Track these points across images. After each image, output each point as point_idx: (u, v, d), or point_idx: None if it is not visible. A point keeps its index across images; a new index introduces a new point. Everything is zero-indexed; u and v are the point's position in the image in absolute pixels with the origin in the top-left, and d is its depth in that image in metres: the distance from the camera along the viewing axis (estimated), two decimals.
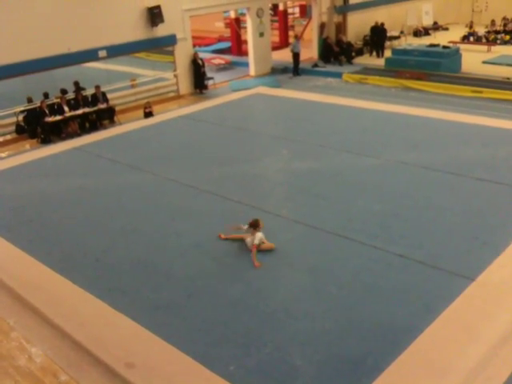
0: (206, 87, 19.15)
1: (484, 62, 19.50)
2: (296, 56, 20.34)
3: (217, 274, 7.83)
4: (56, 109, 15.05)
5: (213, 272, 7.88)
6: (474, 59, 19.58)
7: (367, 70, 19.75)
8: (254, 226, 8.17)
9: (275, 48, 23.23)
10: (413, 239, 8.35)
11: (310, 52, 22.45)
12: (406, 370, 5.79)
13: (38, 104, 14.96)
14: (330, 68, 20.75)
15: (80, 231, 9.40)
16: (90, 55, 15.78)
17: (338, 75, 19.71)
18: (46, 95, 15.42)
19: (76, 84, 16.19)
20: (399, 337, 6.26)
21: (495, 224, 8.68)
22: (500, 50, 21.13)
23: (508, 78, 17.01)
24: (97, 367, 6.24)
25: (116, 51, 16.35)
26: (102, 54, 15.99)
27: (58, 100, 15.24)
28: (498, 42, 22.48)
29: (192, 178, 11.26)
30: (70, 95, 15.82)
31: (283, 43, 25.01)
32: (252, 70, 21.04)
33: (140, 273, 7.99)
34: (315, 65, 21.15)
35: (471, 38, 23.11)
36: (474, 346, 6.04)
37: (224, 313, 6.93)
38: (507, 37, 22.96)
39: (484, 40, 22.68)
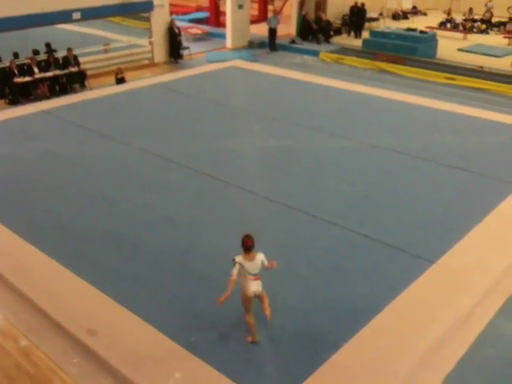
0: (181, 57, 18.85)
1: (459, 50, 19.68)
2: (272, 31, 20.15)
3: (186, 248, 7.83)
4: (26, 70, 14.64)
5: (182, 246, 7.87)
6: (449, 46, 19.75)
7: (344, 51, 19.73)
8: (249, 247, 5.64)
9: (254, 21, 22.93)
10: (380, 222, 8.50)
11: (288, 28, 22.26)
12: (365, 347, 5.95)
13: (7, 64, 14.51)
14: (307, 46, 20.64)
15: (47, 198, 9.25)
16: (64, 17, 15.35)
17: (315, 53, 19.65)
18: (15, 55, 14.96)
19: (48, 45, 15.77)
20: (360, 315, 6.40)
21: (462, 210, 8.88)
22: (476, 39, 21.35)
23: (481, 67, 17.23)
24: (58, 333, 6.24)
25: (91, 14, 15.93)
26: (76, 16, 15.56)
27: (28, 61, 14.82)
28: (475, 30, 22.70)
29: (165, 149, 11.13)
30: (41, 57, 15.40)
31: (262, 17, 24.68)
32: (229, 43, 20.78)
33: (108, 243, 7.94)
34: (293, 41, 21.02)
35: (448, 25, 23.25)
36: (432, 327, 6.23)
37: (191, 287, 6.96)
38: (483, 26, 23.19)
39: (461, 28, 22.86)
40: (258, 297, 5.79)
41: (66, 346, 6.06)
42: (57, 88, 15.20)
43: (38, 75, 14.65)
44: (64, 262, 7.35)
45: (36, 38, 15.73)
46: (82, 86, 15.72)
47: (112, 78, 15.99)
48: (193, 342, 5.98)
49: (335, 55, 19.25)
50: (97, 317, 6.35)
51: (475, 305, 6.67)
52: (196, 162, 10.56)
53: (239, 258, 5.64)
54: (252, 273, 5.65)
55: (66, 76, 15.24)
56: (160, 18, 18.00)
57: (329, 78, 16.40)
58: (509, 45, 20.53)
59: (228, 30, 20.76)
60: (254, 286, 5.69)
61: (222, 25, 22.15)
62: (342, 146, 11.41)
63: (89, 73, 16.03)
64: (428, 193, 9.45)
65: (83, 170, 10.32)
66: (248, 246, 5.58)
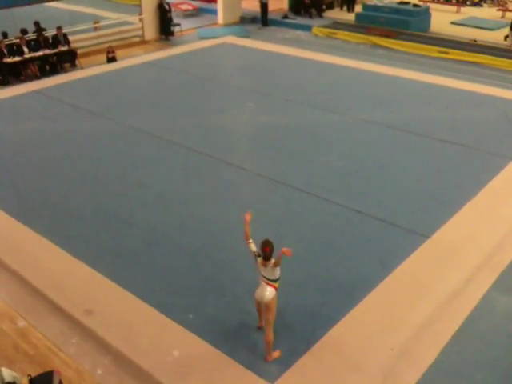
0: (172, 33, 18.65)
1: (452, 23, 19.56)
2: (264, 6, 19.94)
3: (178, 224, 7.83)
4: (15, 49, 14.44)
5: (174, 222, 7.88)
6: (442, 19, 19.61)
7: (337, 25, 19.57)
8: (266, 255, 5.13)
9: None
10: (372, 196, 8.51)
11: (280, 3, 22.01)
12: (360, 322, 6.00)
13: None
14: (299, 20, 20.46)
15: (38, 177, 9.21)
16: None
17: (308, 28, 19.49)
18: (4, 35, 14.75)
19: (37, 24, 15.52)
20: (354, 290, 6.44)
21: (453, 184, 8.90)
22: (469, 12, 21.20)
23: (475, 40, 17.13)
24: (55, 313, 6.25)
25: None
26: None
27: (18, 40, 14.62)
28: (468, 3, 22.52)
29: (156, 127, 11.07)
30: (31, 36, 15.18)
31: None
32: (220, 18, 20.54)
33: (100, 220, 7.93)
34: (285, 16, 20.80)
35: None
36: (426, 301, 6.28)
37: (185, 262, 6.99)
38: None
39: (454, 0, 22.67)
40: (264, 306, 5.29)
41: (64, 326, 6.08)
42: (47, 68, 15.04)
43: (28, 55, 14.48)
44: (56, 240, 7.34)
45: (24, 16, 15.48)
46: (73, 65, 15.57)
47: (103, 57, 15.80)
48: (190, 319, 6.02)
49: (328, 30, 19.09)
50: (92, 295, 6.37)
51: (469, 279, 6.72)
52: (188, 139, 10.51)
53: (259, 258, 5.21)
54: (264, 275, 5.25)
55: (56, 55, 15.08)
56: None
57: (321, 53, 16.27)
58: (502, 17, 20.40)
59: (219, 6, 20.51)
60: (262, 290, 5.24)
61: (213, 0, 21.85)
62: (334, 121, 11.37)
63: (79, 51, 15.86)
64: (421, 167, 9.46)
65: (74, 148, 10.25)
66: (265, 253, 5.09)
